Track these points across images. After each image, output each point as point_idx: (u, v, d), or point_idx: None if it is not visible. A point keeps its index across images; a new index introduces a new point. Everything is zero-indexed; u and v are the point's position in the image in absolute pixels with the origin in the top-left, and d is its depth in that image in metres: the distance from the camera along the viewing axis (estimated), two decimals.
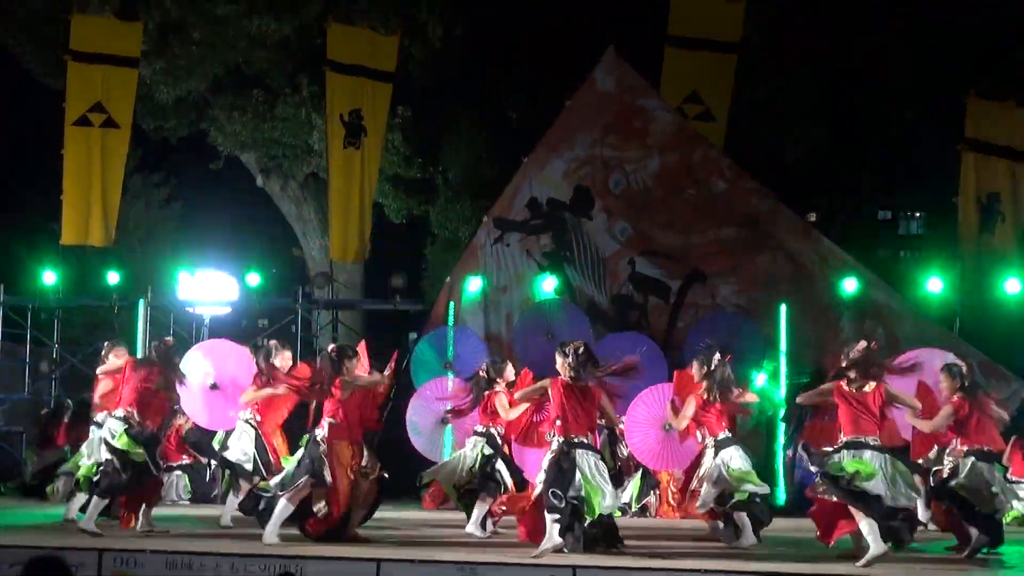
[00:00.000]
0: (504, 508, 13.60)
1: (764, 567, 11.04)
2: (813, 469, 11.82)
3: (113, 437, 13.02)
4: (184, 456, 17.31)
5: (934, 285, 18.17)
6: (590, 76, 18.67)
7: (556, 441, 11.82)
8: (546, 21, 23.06)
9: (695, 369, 12.99)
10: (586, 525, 11.66)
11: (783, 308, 16.65)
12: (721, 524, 13.11)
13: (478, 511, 13.36)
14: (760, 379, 15.86)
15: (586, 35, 19.72)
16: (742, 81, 21.05)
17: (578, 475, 11.52)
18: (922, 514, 12.83)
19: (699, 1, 20.76)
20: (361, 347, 13.18)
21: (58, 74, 20.84)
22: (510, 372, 13.89)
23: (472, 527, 13.28)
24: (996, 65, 20.72)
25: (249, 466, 13.83)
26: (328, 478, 12.17)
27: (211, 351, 14.73)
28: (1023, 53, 21.51)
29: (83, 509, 13.37)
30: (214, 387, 14.10)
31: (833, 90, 22.84)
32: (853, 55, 22.49)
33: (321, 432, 12.34)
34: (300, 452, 12.53)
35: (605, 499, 11.63)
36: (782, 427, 16.91)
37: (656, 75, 19.82)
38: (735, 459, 12.78)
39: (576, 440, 11.71)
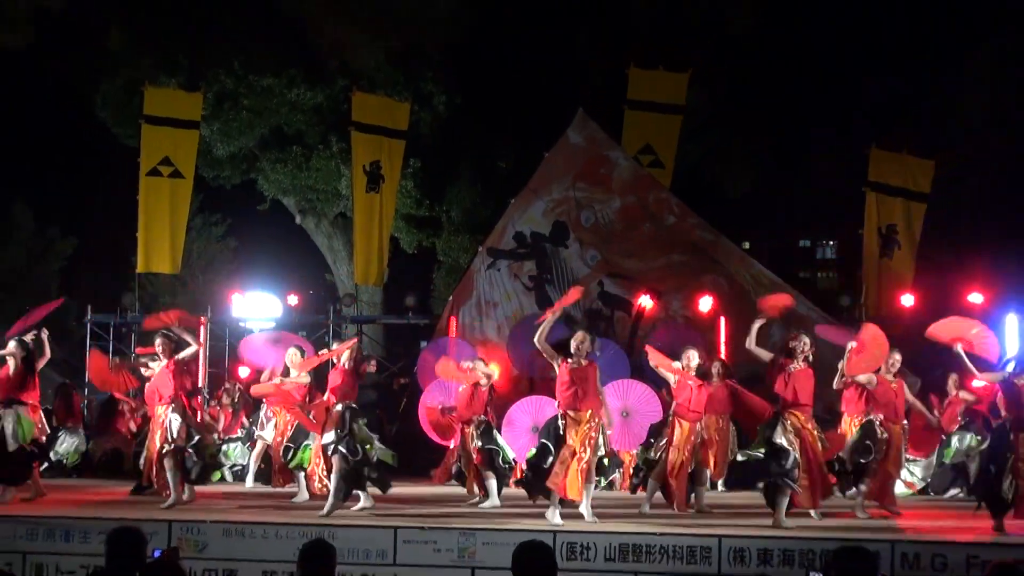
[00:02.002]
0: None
1: (706, 530, 10.72)
2: None
3: None
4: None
5: (844, 300, 18.19)
6: (564, 133, 18.63)
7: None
8: (528, 90, 22.92)
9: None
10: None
11: (722, 320, 16.40)
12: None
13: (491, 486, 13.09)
14: None
15: (560, 100, 19.67)
16: (686, 136, 20.96)
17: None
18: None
19: (651, 73, 20.59)
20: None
21: (134, 135, 20.62)
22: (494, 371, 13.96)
23: (492, 502, 13.01)
24: (892, 123, 20.58)
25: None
26: None
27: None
28: (912, 115, 21.26)
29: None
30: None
31: (761, 143, 22.61)
32: (777, 115, 22.35)
33: None
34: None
35: None
36: None
37: (617, 131, 19.72)
38: None
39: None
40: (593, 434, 11.61)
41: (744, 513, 12.61)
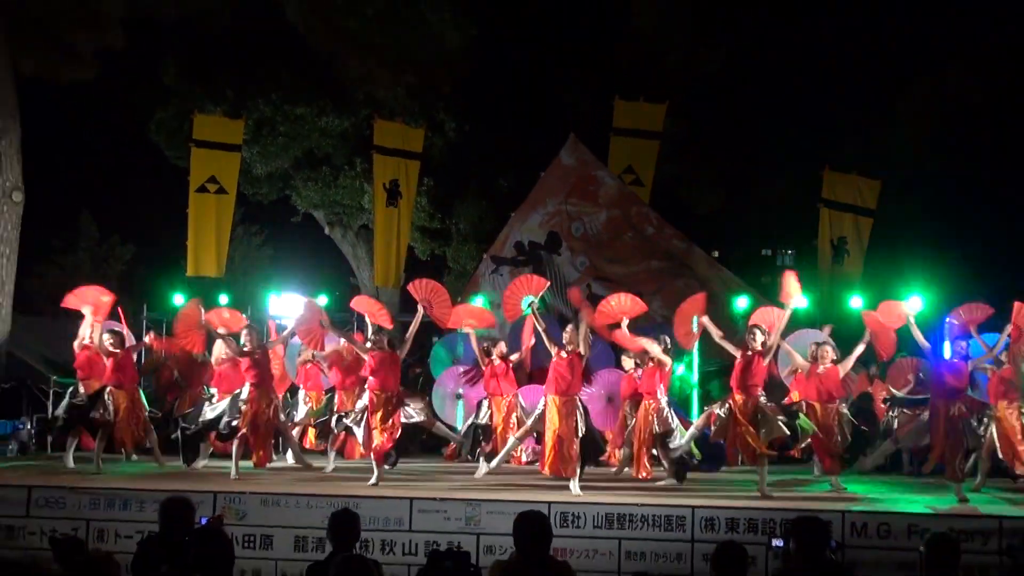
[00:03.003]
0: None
1: (681, 501, 10.72)
2: None
3: None
4: None
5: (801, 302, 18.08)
6: (558, 155, 18.55)
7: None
8: (527, 119, 22.98)
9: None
10: None
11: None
12: None
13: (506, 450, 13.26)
14: (680, 368, 15.56)
15: (555, 127, 19.62)
16: (663, 159, 20.91)
17: None
18: None
19: (633, 104, 20.51)
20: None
21: (184, 156, 20.58)
22: (502, 347, 14.40)
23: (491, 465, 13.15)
24: (842, 147, 20.52)
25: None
26: None
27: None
28: (860, 140, 21.20)
29: None
30: None
31: (729, 165, 22.62)
32: (743, 140, 22.35)
33: None
34: None
35: None
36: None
37: (604, 154, 19.63)
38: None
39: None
40: (576, 418, 11.77)
41: (716, 488, 12.62)
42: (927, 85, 21.44)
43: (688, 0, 22.21)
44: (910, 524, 9.98)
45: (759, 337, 12.14)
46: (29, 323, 20.61)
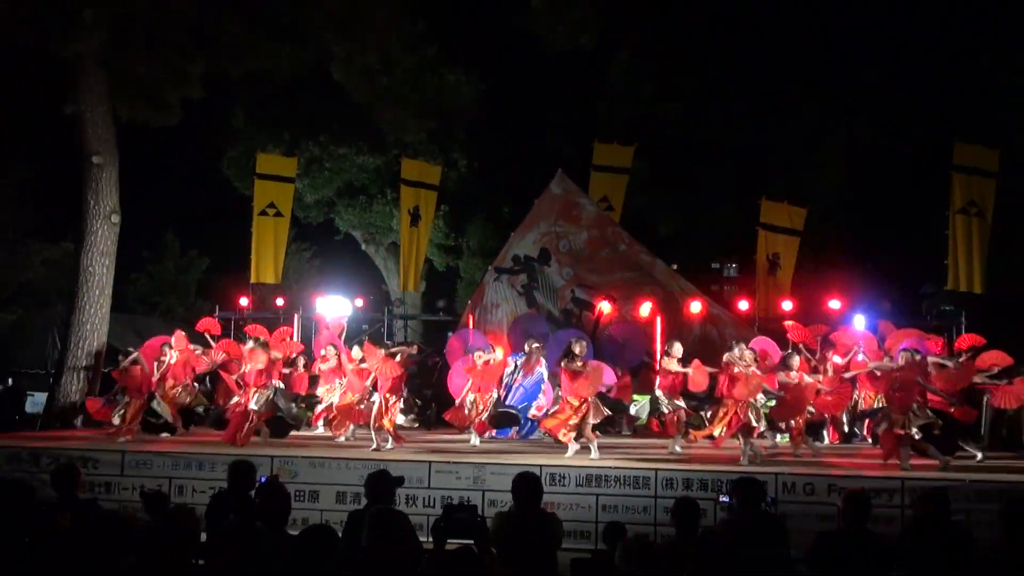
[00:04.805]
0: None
1: (647, 465, 10.67)
2: None
3: None
4: None
5: (743, 305, 18.04)
6: (548, 186, 18.37)
7: None
8: (524, 158, 22.95)
9: None
10: None
11: (658, 319, 16.25)
12: None
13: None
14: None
15: (546, 165, 19.42)
16: (634, 190, 20.90)
17: None
18: None
19: (608, 146, 20.51)
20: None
21: (249, 187, 20.52)
22: (499, 353, 14.12)
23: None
24: (777, 179, 20.44)
25: None
26: None
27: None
28: (792, 175, 21.13)
29: None
30: None
31: (685, 194, 22.58)
32: (697, 175, 22.34)
33: None
34: None
35: None
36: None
37: (585, 186, 19.54)
38: None
39: None
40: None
41: (681, 457, 12.60)
42: (845, 132, 21.43)
43: (653, 63, 22.15)
44: (830, 483, 9.97)
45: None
46: (124, 320, 20.60)
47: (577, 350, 12.33)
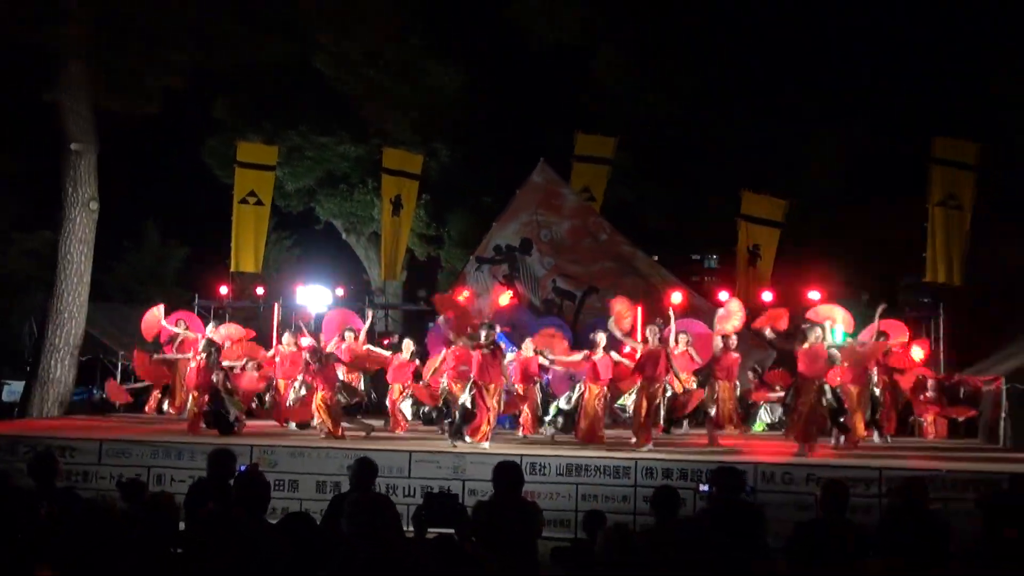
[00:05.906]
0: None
1: (627, 454, 10.66)
2: None
3: None
4: None
5: (723, 295, 18.02)
6: (530, 176, 18.39)
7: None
8: (506, 147, 22.87)
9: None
10: None
11: (639, 308, 16.27)
12: None
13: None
14: None
15: (528, 154, 19.40)
16: (615, 181, 20.86)
17: None
18: None
19: (591, 137, 20.46)
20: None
21: (230, 175, 20.38)
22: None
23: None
24: (758, 173, 20.44)
25: None
26: None
27: None
28: (782, 171, 21.12)
29: None
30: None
31: (665, 185, 22.55)
32: (677, 167, 22.32)
33: None
34: None
35: None
36: None
37: (567, 176, 19.51)
38: None
39: None
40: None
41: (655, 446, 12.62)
42: (844, 132, 21.33)
43: (639, 55, 22.08)
44: (808, 473, 10.00)
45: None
46: (102, 308, 20.44)
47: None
